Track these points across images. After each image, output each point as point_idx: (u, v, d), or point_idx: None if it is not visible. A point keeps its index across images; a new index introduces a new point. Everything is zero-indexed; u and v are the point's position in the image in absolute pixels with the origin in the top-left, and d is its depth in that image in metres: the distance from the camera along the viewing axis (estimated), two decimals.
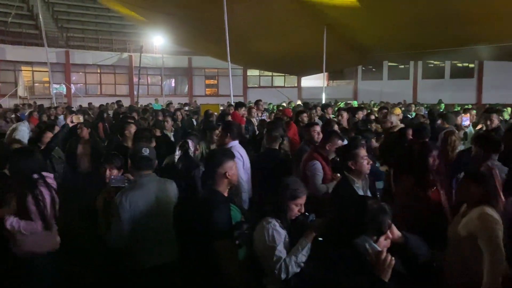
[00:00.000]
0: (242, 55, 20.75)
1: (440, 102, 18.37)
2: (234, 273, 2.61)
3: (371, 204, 1.90)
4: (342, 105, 17.24)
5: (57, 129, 5.80)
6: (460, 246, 2.84)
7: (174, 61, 30.58)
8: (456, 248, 2.89)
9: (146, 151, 3.17)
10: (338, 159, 3.78)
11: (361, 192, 3.31)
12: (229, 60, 11.92)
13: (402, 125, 6.63)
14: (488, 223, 2.69)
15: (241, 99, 25.96)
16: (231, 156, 2.96)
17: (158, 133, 6.36)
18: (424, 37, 15.72)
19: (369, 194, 3.44)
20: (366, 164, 3.36)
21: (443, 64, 29.11)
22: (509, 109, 12.07)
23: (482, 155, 3.89)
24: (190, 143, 4.46)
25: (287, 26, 16.04)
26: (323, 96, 18.63)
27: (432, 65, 28.57)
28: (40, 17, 18.94)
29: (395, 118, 7.05)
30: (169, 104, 16.36)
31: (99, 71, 30.38)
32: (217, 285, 2.62)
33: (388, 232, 1.91)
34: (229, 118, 8.70)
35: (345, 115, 8.38)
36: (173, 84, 34.22)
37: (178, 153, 4.47)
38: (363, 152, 3.38)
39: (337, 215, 1.95)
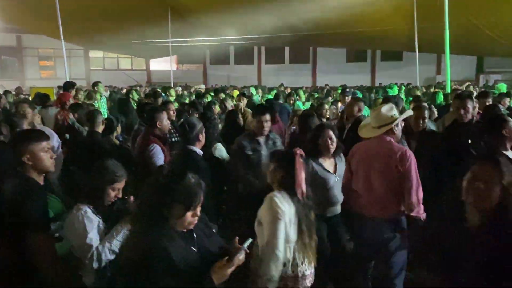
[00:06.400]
0: (82, 34, 19.13)
1: (281, 85, 19.83)
2: (49, 267, 2.40)
3: (190, 177, 1.94)
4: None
5: None
6: (259, 232, 2.72)
7: None
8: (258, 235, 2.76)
9: None
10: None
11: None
12: (62, 38, 10.88)
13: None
14: (271, 209, 2.57)
15: (83, 83, 24.03)
16: (33, 138, 2.54)
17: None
18: (263, 23, 16.71)
19: None
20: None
21: (283, 50, 31.36)
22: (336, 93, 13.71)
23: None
24: None
25: (129, 5, 15.29)
26: (171, 80, 18.44)
27: (273, 51, 30.51)
28: None
29: (229, 103, 7.88)
30: None
31: None
32: (32, 280, 2.40)
33: (197, 211, 1.95)
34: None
35: None
36: None
37: None
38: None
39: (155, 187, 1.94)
